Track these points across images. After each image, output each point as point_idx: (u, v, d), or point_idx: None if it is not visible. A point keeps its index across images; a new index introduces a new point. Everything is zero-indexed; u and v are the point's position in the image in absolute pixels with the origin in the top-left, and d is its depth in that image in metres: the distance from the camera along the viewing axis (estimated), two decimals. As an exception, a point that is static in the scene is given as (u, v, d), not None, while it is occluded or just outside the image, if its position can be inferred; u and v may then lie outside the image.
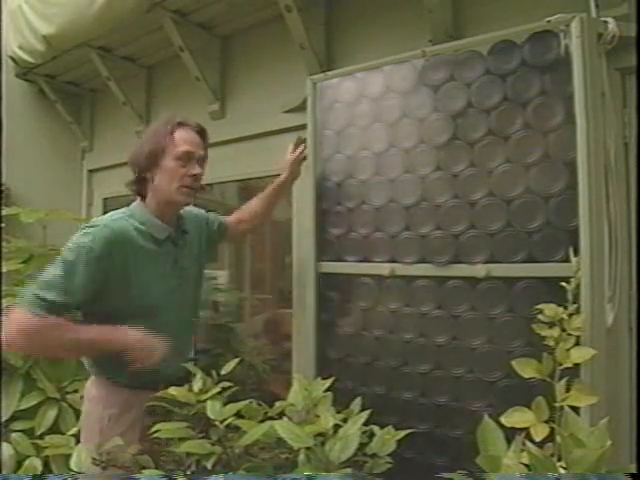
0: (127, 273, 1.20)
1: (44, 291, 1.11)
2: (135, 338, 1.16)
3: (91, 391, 1.29)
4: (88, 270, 1.14)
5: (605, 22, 1.14)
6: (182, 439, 1.03)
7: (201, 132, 1.32)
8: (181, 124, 1.27)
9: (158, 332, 1.20)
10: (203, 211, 1.52)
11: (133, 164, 1.28)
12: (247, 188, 2.25)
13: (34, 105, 2.76)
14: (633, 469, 0.84)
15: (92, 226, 1.18)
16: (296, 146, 1.59)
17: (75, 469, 0.94)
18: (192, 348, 1.45)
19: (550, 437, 0.89)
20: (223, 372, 1.33)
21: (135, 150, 1.28)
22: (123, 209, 1.28)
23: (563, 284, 1.04)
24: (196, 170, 1.26)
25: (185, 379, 1.31)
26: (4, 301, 1.49)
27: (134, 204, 1.30)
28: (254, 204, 1.61)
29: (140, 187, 1.28)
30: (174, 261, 1.30)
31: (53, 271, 1.14)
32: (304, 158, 1.57)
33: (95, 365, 1.30)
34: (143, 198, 1.29)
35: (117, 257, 1.17)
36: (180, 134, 1.26)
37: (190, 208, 1.41)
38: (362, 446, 1.04)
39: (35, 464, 1.54)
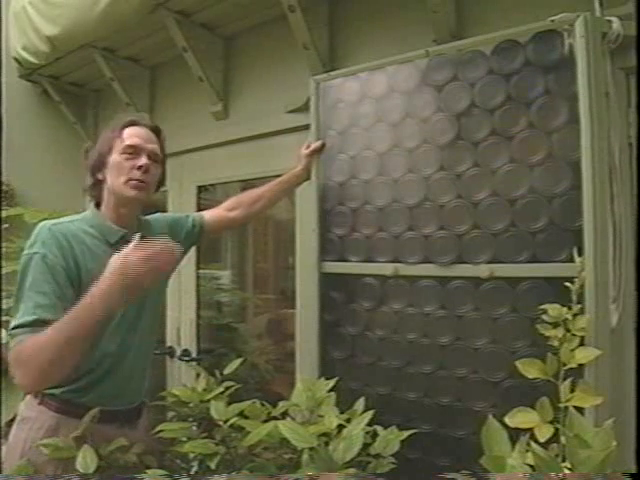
0: (79, 275, 1.12)
1: (23, 317, 1.02)
2: (137, 254, 0.99)
3: (22, 412, 1.19)
4: (52, 274, 1.07)
5: (609, 21, 1.14)
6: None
7: (155, 130, 1.26)
8: (132, 122, 1.23)
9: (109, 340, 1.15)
10: (177, 215, 1.45)
11: (88, 169, 1.24)
12: (250, 188, 2.24)
13: (38, 106, 2.77)
14: (633, 469, 0.83)
15: (35, 237, 1.12)
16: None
17: (81, 471, 0.93)
18: (146, 377, 1.30)
19: (555, 438, 0.89)
20: (226, 372, 1.33)
21: (90, 155, 1.25)
22: (70, 216, 1.22)
23: (567, 284, 1.04)
24: (143, 161, 1.18)
25: (136, 413, 1.24)
26: (4, 302, 1.49)
27: (86, 211, 1.25)
28: (260, 189, 1.56)
29: (96, 192, 1.24)
30: None
31: (19, 294, 1.06)
32: (321, 149, 1.53)
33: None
34: (98, 205, 1.24)
35: (69, 258, 1.11)
36: (129, 130, 1.21)
37: (160, 215, 1.38)
38: (366, 446, 1.04)
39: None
